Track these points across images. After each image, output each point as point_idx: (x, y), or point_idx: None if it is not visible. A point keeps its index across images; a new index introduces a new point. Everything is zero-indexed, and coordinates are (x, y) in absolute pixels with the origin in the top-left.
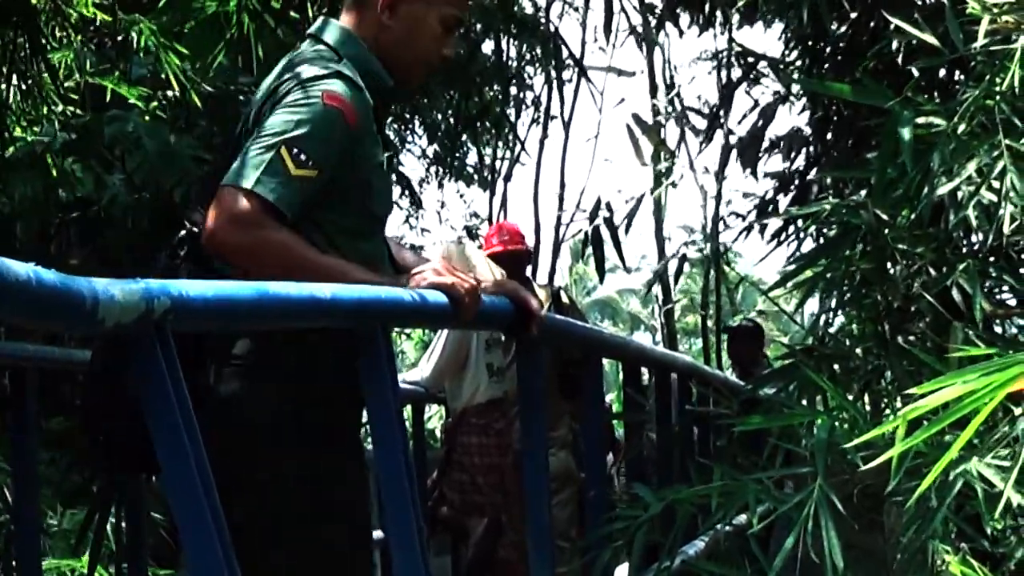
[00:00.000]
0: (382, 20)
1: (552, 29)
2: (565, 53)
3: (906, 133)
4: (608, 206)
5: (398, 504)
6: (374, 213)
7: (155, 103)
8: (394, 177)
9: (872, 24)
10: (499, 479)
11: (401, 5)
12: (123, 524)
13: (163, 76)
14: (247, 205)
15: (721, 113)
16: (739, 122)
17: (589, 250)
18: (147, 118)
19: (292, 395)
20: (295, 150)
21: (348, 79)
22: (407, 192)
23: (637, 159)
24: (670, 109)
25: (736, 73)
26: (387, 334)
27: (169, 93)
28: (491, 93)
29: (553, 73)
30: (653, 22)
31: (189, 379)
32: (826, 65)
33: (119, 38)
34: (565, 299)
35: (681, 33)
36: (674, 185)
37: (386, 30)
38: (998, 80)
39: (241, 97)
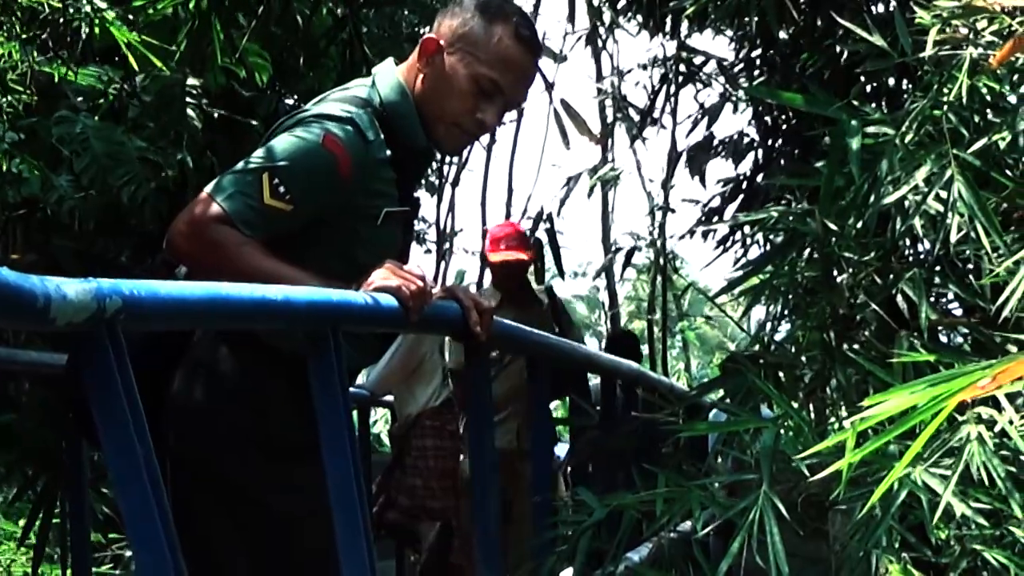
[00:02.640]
0: (419, 67)
1: None
2: None
3: (854, 142)
4: (549, 217)
5: (347, 506)
6: (360, 260)
7: (102, 101)
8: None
9: (820, 30)
10: (452, 483)
11: (437, 56)
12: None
13: (107, 79)
14: (208, 213)
15: (659, 106)
16: (681, 121)
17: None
18: (96, 118)
19: (268, 393)
20: (276, 180)
21: (359, 129)
22: None
23: (563, 144)
24: (608, 96)
25: (683, 75)
26: (338, 337)
27: (111, 91)
28: None
29: None
30: (601, 28)
31: (156, 383)
32: (775, 74)
33: (66, 24)
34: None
35: (629, 32)
36: (610, 181)
37: (420, 80)
38: (946, 90)
39: (188, 99)
